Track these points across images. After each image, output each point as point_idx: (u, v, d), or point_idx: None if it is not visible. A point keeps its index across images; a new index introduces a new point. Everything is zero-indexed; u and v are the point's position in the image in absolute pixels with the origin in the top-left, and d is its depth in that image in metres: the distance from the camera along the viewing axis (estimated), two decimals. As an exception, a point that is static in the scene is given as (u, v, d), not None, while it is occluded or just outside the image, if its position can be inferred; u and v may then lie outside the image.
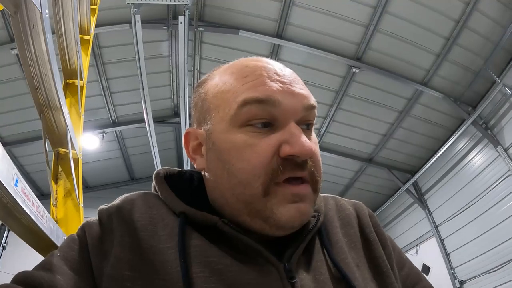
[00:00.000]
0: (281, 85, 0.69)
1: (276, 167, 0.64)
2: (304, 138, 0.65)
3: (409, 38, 6.47)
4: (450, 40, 6.35)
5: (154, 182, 0.80)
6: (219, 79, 0.75)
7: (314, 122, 0.73)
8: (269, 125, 0.67)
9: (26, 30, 1.83)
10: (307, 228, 0.72)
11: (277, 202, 0.65)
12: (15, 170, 1.26)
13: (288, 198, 0.65)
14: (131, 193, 0.79)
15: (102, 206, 0.76)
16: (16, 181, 1.25)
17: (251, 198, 0.65)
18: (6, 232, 8.30)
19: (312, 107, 0.71)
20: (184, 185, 0.79)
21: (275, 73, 0.71)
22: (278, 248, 0.70)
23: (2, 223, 8.03)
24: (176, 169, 0.85)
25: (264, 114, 0.66)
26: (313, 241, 0.74)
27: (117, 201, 0.77)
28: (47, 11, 1.77)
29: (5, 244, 8.28)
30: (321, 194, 0.84)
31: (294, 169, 0.65)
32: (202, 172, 0.77)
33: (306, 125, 0.71)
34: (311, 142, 0.67)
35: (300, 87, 0.71)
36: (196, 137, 0.76)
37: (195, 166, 0.77)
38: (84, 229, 0.71)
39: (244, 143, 0.66)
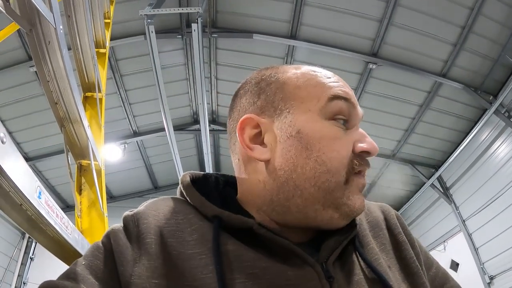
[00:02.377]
0: (350, 92, 0.77)
1: (355, 159, 0.71)
2: (371, 139, 0.73)
3: (424, 29, 6.37)
4: (465, 28, 6.22)
5: (181, 186, 0.80)
6: (302, 74, 0.77)
7: None
8: (347, 124, 0.74)
9: (42, 46, 1.88)
10: (344, 230, 0.73)
11: (352, 190, 0.70)
12: (38, 183, 1.29)
13: (359, 187, 0.72)
14: (156, 199, 0.79)
15: (127, 212, 0.76)
16: (39, 193, 1.28)
17: (334, 185, 0.68)
18: (33, 244, 8.51)
19: (362, 117, 0.80)
20: (211, 189, 0.80)
21: (345, 82, 0.79)
22: (313, 250, 0.71)
23: (29, 236, 8.25)
24: (201, 172, 0.85)
25: (347, 111, 0.73)
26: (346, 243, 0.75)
27: (141, 207, 0.77)
28: (61, 27, 1.81)
29: (33, 256, 8.50)
30: None
31: (366, 164, 0.73)
32: (263, 164, 0.74)
33: None
34: None
35: (356, 99, 0.80)
36: (256, 125, 0.75)
37: (252, 155, 0.74)
38: (109, 236, 0.71)
39: (335, 134, 0.71)
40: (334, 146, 0.69)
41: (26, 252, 8.49)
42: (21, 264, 8.34)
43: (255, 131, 0.75)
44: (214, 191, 0.79)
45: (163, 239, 0.68)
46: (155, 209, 0.74)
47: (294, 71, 0.79)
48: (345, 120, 0.73)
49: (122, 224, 0.74)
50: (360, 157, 0.71)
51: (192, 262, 0.64)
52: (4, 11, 1.58)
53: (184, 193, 0.78)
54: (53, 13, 1.69)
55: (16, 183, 1.13)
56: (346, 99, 0.73)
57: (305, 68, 0.80)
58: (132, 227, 0.71)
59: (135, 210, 0.75)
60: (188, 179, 0.80)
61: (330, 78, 0.76)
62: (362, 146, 0.71)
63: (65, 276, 0.65)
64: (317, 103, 0.72)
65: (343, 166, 0.69)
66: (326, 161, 0.68)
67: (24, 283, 8.12)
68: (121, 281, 0.65)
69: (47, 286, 0.63)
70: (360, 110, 0.77)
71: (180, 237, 0.68)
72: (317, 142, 0.69)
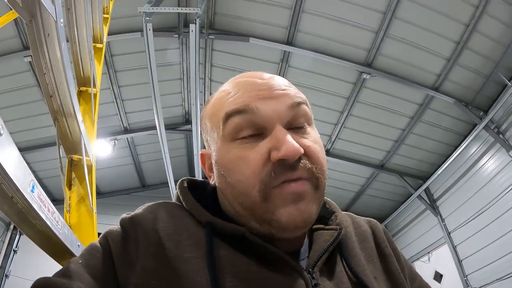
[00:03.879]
0: (258, 93, 0.73)
1: (268, 172, 0.66)
2: (290, 139, 0.66)
3: (419, 43, 6.45)
4: (460, 44, 6.31)
5: (178, 191, 0.82)
6: (212, 102, 0.80)
7: (308, 117, 0.75)
8: (257, 134, 0.70)
9: (41, 38, 1.87)
10: (330, 239, 0.75)
11: (276, 204, 0.67)
12: (32, 177, 1.28)
13: (287, 198, 0.66)
14: (153, 203, 0.80)
15: (124, 215, 0.77)
16: (33, 187, 1.27)
17: (253, 205, 0.68)
18: (17, 236, 8.40)
19: (297, 104, 0.73)
20: (207, 196, 0.82)
21: (254, 84, 0.75)
22: (302, 258, 0.74)
23: (14, 228, 8.16)
24: (199, 179, 0.88)
25: (247, 123, 0.70)
26: (334, 252, 0.76)
27: (139, 210, 0.78)
28: (62, 20, 1.80)
29: (16, 249, 8.39)
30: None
31: (286, 172, 0.67)
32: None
33: (298, 124, 0.73)
34: (306, 140, 0.70)
35: (282, 89, 0.74)
36: (208, 157, 0.81)
37: (211, 183, 0.81)
38: (107, 237, 0.72)
39: (236, 156, 0.69)
40: (238, 168, 0.69)
41: (10, 244, 8.37)
42: (4, 256, 8.22)
43: (210, 161, 0.81)
44: (210, 198, 0.81)
45: (161, 242, 0.69)
46: (152, 212, 0.76)
47: (213, 98, 0.82)
48: (254, 130, 0.70)
49: (119, 226, 0.75)
50: (279, 166, 0.66)
51: (188, 266, 0.65)
52: (6, 0, 1.57)
53: (181, 198, 0.80)
54: (55, 6, 1.68)
55: (10, 176, 1.12)
56: (239, 112, 0.71)
57: (221, 89, 0.81)
58: (130, 229, 0.72)
59: (133, 213, 0.76)
60: (185, 185, 0.83)
61: (229, 94, 0.75)
62: (274, 154, 0.66)
63: (61, 273, 0.65)
64: (220, 129, 0.73)
65: (251, 186, 0.67)
66: (234, 185, 0.70)
67: (6, 275, 8.00)
68: (119, 281, 0.66)
69: (43, 283, 0.63)
70: (274, 108, 0.70)
71: (177, 240, 0.70)
72: (226, 168, 0.72)
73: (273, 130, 0.69)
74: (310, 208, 0.68)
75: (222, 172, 0.73)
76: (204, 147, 0.85)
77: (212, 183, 0.80)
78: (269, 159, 0.67)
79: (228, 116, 0.71)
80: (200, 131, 0.88)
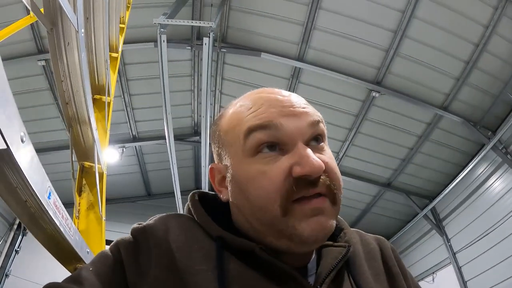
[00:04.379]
0: (282, 109, 0.73)
1: (290, 187, 0.67)
2: (313, 156, 0.67)
3: (429, 62, 6.48)
4: (469, 64, 6.33)
5: (189, 204, 0.82)
6: (229, 115, 0.79)
7: (324, 135, 0.76)
8: (278, 148, 0.70)
9: (61, 46, 1.91)
10: (338, 257, 0.75)
11: (297, 218, 0.67)
12: (49, 183, 1.30)
13: (307, 213, 0.67)
14: (164, 214, 0.81)
15: (135, 225, 0.77)
16: (49, 194, 1.30)
17: (272, 220, 0.68)
18: (20, 237, 8.39)
19: (317, 122, 0.74)
20: (218, 209, 0.82)
21: (276, 100, 0.75)
22: (310, 274, 0.75)
23: (17, 228, 8.15)
24: (211, 192, 0.88)
25: (269, 139, 0.70)
26: (342, 270, 0.76)
27: (151, 221, 0.79)
28: (83, 30, 1.84)
29: (18, 249, 8.37)
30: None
31: (307, 187, 0.67)
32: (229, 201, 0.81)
33: (315, 141, 0.73)
34: (324, 157, 0.71)
35: (303, 107, 0.75)
36: (219, 171, 0.81)
37: (221, 197, 0.80)
38: (118, 246, 0.73)
39: (258, 171, 0.69)
40: (259, 183, 0.69)
41: (12, 244, 8.35)
42: (5, 255, 8.20)
43: (220, 176, 0.81)
44: (220, 211, 0.82)
45: (172, 253, 0.70)
46: (164, 224, 0.77)
47: (229, 112, 0.81)
48: (274, 146, 0.70)
49: (130, 236, 0.75)
50: (301, 181, 0.67)
51: (198, 278, 0.66)
52: (29, 8, 1.61)
53: (192, 211, 0.81)
54: (77, 16, 1.72)
55: (30, 181, 1.14)
56: (263, 127, 0.71)
57: (238, 103, 0.80)
58: (142, 239, 0.73)
59: (145, 224, 0.77)
60: (196, 198, 0.83)
61: (250, 108, 0.75)
62: (297, 170, 0.67)
63: (72, 280, 0.66)
64: (239, 144, 0.73)
65: (272, 201, 0.67)
66: (254, 200, 0.70)
67: (6, 275, 7.97)
68: None
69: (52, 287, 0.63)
70: (296, 125, 0.71)
71: (188, 252, 0.71)
72: (245, 183, 0.71)
73: (294, 146, 0.69)
74: (330, 223, 0.70)
75: (240, 187, 0.73)
76: (212, 160, 0.85)
77: (224, 198, 0.79)
78: (290, 174, 0.67)
79: (251, 130, 0.71)
80: (209, 143, 0.87)
